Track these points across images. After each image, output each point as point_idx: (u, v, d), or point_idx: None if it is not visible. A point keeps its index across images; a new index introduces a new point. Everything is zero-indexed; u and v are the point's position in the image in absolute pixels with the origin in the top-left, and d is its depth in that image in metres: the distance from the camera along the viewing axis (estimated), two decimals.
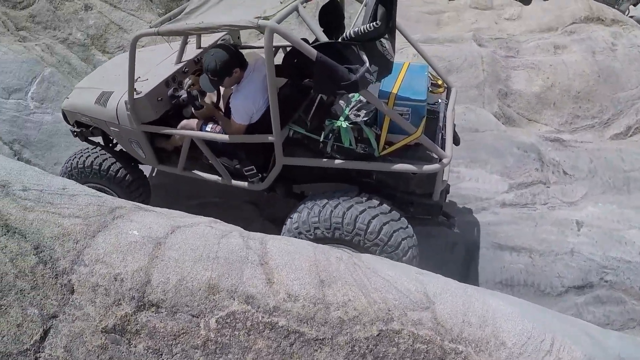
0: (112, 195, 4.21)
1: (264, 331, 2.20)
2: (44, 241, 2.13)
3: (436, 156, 3.31)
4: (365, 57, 2.98)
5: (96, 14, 7.13)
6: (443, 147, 3.44)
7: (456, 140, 4.28)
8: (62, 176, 4.30)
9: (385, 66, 3.21)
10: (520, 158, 5.23)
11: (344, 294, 2.36)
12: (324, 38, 3.06)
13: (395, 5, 3.19)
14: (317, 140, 3.44)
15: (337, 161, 3.41)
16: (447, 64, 6.44)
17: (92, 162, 4.27)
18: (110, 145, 4.69)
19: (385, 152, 3.34)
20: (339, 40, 3.04)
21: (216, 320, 2.17)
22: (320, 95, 3.60)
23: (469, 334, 2.26)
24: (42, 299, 2.05)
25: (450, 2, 9.89)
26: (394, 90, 3.40)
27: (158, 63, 4.44)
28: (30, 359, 1.95)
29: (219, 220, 2.93)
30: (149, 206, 2.92)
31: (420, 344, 2.22)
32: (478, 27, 7.94)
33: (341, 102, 3.51)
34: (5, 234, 2.09)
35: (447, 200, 3.89)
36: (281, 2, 3.20)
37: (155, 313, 2.14)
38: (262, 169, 3.72)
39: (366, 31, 2.93)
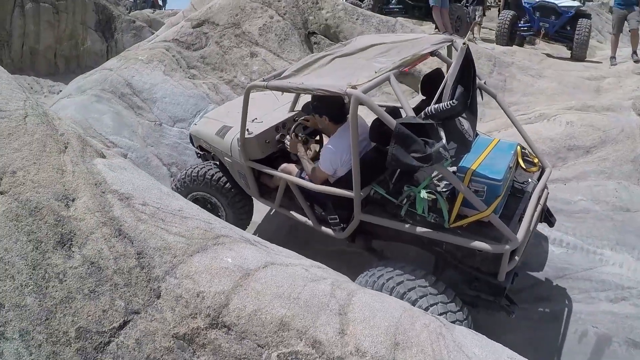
0: (218, 205, 4.81)
1: None
2: (146, 249, 2.36)
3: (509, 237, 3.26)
4: (443, 134, 3.09)
5: (260, 61, 7.60)
6: (516, 229, 3.40)
7: (550, 222, 4.29)
8: (176, 183, 4.95)
9: (463, 144, 3.34)
10: None
11: None
12: (409, 110, 3.22)
13: (474, 86, 3.31)
14: (394, 203, 3.56)
15: (408, 226, 3.49)
16: (602, 134, 5.96)
17: (206, 172, 4.78)
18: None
19: (454, 224, 3.36)
20: (422, 114, 3.19)
21: (277, 355, 2.18)
22: None
23: None
24: (130, 296, 2.24)
25: (611, 67, 9.39)
26: (473, 167, 3.44)
27: (276, 108, 4.89)
28: (105, 340, 2.12)
29: (323, 266, 3.04)
30: (258, 239, 3.11)
31: None
32: (639, 95, 7.27)
33: (427, 170, 3.53)
34: (117, 236, 2.37)
35: (513, 283, 3.65)
36: (376, 72, 3.39)
37: (225, 334, 2.21)
38: (345, 221, 3.88)
39: (444, 109, 3.08)
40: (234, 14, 8.02)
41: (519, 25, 11.40)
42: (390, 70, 3.40)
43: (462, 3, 12.03)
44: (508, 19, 11.14)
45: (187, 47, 7.76)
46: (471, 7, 12.29)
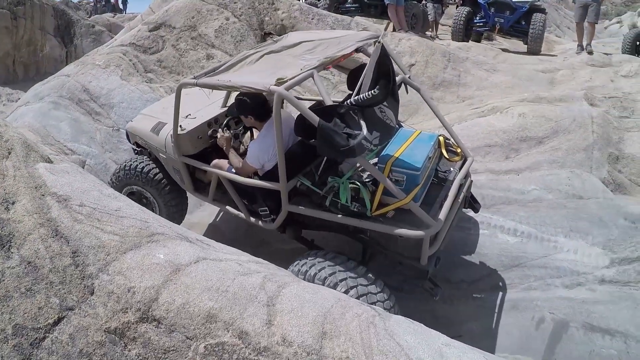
0: (151, 199, 4.96)
1: None
2: (81, 248, 2.47)
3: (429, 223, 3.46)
4: (363, 124, 3.31)
5: (216, 63, 7.49)
6: (436, 216, 3.59)
7: (475, 208, 4.53)
8: (112, 177, 5.13)
9: (386, 131, 3.56)
10: (626, 230, 4.74)
11: (343, 350, 2.34)
12: (329, 101, 3.43)
13: (394, 76, 3.52)
14: (319, 194, 3.70)
15: (332, 215, 3.67)
16: (554, 124, 6.13)
17: (137, 166, 4.93)
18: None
19: (376, 212, 3.53)
20: (343, 104, 3.39)
21: (205, 347, 2.29)
22: None
23: None
24: (65, 293, 2.35)
25: (565, 60, 9.62)
26: (395, 155, 3.61)
27: (209, 104, 5.03)
28: (40, 336, 2.23)
29: (262, 261, 3.15)
30: (200, 237, 3.22)
31: None
32: (592, 86, 7.52)
33: (350, 162, 3.72)
34: (53, 237, 2.47)
35: (437, 267, 3.84)
36: (301, 70, 3.58)
37: (155, 327, 2.32)
38: (274, 212, 4.06)
39: (365, 98, 3.30)
40: (190, 17, 8.10)
41: (475, 21, 11.67)
42: (314, 68, 3.58)
43: (420, 1, 12.30)
44: (463, 15, 11.40)
45: (144, 50, 7.80)
46: (430, 4, 12.54)
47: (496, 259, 4.72)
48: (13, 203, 2.55)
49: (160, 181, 4.92)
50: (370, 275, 3.58)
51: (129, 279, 2.42)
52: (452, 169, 4.20)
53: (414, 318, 4.28)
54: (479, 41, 12.04)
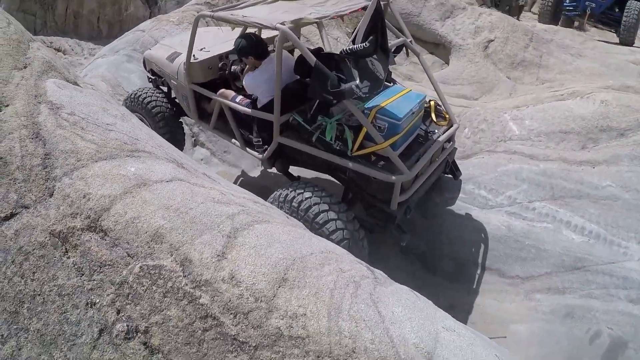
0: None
1: (182, 300, 1.99)
2: (54, 152, 2.35)
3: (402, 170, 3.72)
4: (356, 73, 3.67)
5: None
6: (411, 167, 3.84)
7: (455, 176, 4.81)
8: (124, 102, 5.54)
9: (375, 82, 3.81)
10: None
11: (301, 305, 1.98)
12: (328, 49, 3.84)
13: (385, 32, 3.78)
14: (308, 130, 4.03)
15: (316, 150, 4.02)
16: None
17: (139, 95, 5.42)
18: (171, 96, 5.73)
19: (357, 153, 3.84)
20: (339, 53, 3.76)
21: (141, 267, 2.05)
22: None
23: None
24: (25, 191, 2.25)
25: None
26: (381, 105, 3.91)
27: (224, 41, 5.30)
28: None
29: (265, 203, 3.01)
30: (193, 164, 3.09)
31: None
32: None
33: (340, 106, 4.00)
34: (32, 138, 2.39)
35: (407, 216, 4.02)
36: (310, 14, 3.94)
37: (100, 238, 2.13)
38: (267, 143, 4.41)
39: (357, 49, 3.66)
40: None
41: (564, 4, 10.71)
42: (319, 18, 3.90)
43: None
44: None
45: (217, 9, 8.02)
46: None
47: (557, 257, 4.21)
48: (7, 106, 2.51)
49: (157, 114, 5.34)
50: (350, 213, 3.89)
51: (89, 185, 2.26)
52: (436, 131, 4.43)
53: (456, 310, 3.84)
54: (568, 27, 10.87)
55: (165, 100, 5.49)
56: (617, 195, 4.60)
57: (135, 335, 1.98)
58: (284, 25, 3.69)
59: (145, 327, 1.98)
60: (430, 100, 4.66)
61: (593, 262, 4.14)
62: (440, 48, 8.06)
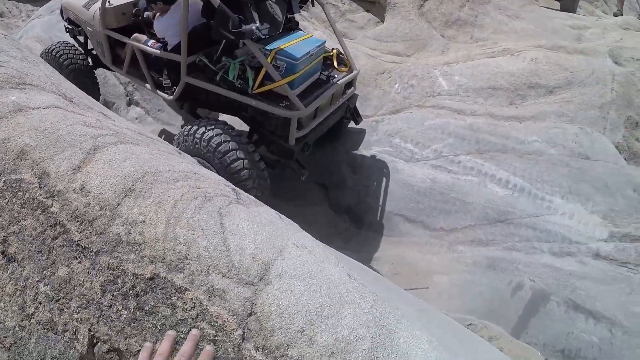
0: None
1: (36, 210, 2.18)
2: None
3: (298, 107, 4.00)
4: (256, 15, 4.01)
5: None
6: (308, 105, 4.13)
7: (356, 121, 5.17)
8: (40, 56, 5.53)
9: (274, 24, 4.14)
10: (634, 203, 4.11)
11: (141, 213, 2.10)
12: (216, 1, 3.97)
13: None
14: (213, 69, 4.31)
15: (220, 89, 4.33)
16: (569, 75, 5.39)
17: (52, 50, 5.69)
18: (87, 47, 6.10)
19: (257, 90, 4.12)
20: None
21: (4, 181, 2.25)
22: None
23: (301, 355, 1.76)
24: None
25: (598, 20, 8.39)
26: (281, 47, 4.21)
27: None
28: None
29: (153, 136, 3.09)
30: (84, 98, 3.25)
31: (208, 325, 1.84)
32: (621, 46, 6.41)
33: (244, 49, 4.30)
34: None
35: (306, 152, 4.27)
36: None
37: None
38: (175, 84, 4.66)
39: None
40: None
41: None
42: None
43: None
44: None
45: None
46: None
47: (481, 210, 4.30)
48: None
49: (68, 66, 5.58)
50: (256, 153, 4.12)
51: None
52: (336, 75, 4.83)
53: (380, 261, 4.01)
54: None
55: (76, 52, 5.76)
56: (542, 151, 4.67)
57: None
58: None
59: (4, 236, 2.18)
60: (333, 49, 5.06)
61: (516, 215, 4.22)
62: (376, 6, 8.14)
